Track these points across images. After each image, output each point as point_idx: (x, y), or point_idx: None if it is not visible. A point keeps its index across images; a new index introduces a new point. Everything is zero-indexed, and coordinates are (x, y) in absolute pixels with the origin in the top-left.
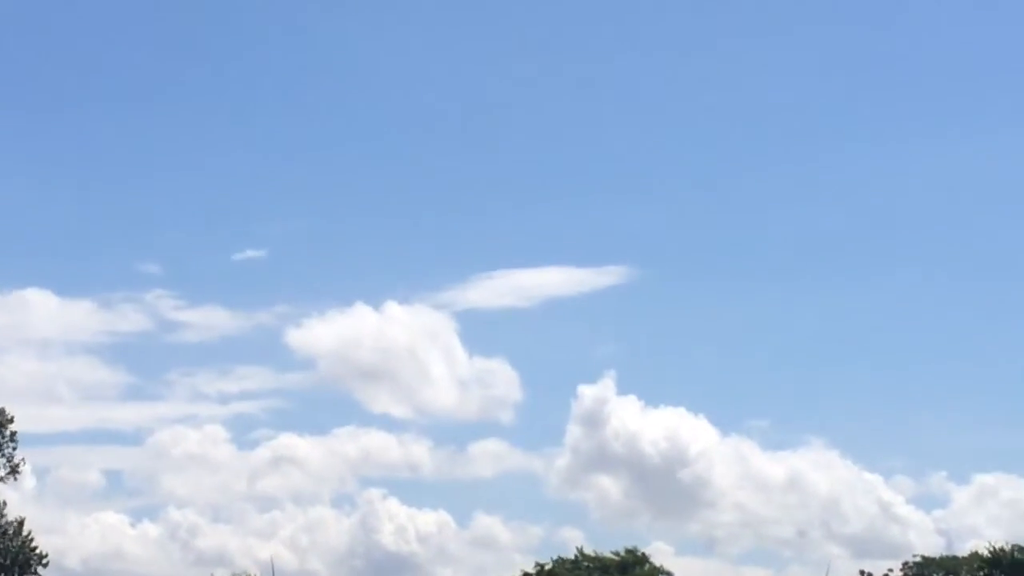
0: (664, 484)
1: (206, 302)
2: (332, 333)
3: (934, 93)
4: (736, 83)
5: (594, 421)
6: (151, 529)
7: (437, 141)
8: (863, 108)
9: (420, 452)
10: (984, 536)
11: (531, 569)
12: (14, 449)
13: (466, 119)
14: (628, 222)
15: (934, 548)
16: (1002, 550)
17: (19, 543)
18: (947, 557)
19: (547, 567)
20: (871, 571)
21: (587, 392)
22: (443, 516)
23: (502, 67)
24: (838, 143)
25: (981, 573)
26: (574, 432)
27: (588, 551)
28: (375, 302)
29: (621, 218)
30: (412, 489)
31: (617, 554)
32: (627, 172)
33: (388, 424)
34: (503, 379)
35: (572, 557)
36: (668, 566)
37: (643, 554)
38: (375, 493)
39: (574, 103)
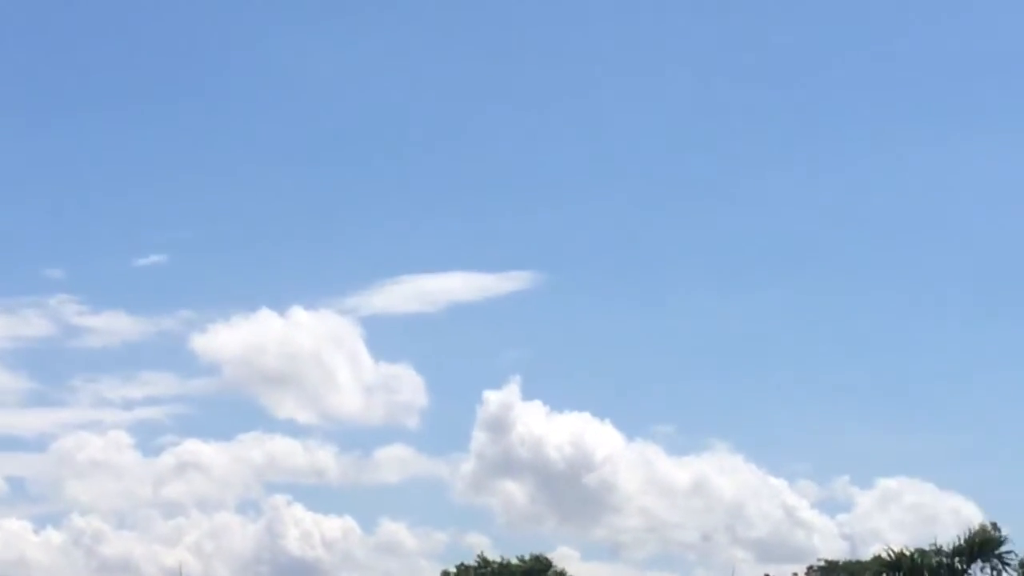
0: (569, 489)
1: (109, 307)
2: (237, 338)
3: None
4: (638, 87)
5: (499, 426)
6: (55, 536)
7: (341, 147)
8: (771, 114)
9: (325, 458)
10: (887, 540)
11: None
12: None
13: (370, 124)
14: (533, 228)
15: (838, 552)
16: (902, 553)
17: None
18: (851, 561)
19: (452, 574)
20: (775, 575)
21: (492, 398)
22: (348, 522)
23: (408, 72)
24: (748, 148)
25: (884, 574)
26: (479, 437)
27: (492, 557)
28: (280, 307)
29: (526, 224)
30: (317, 495)
31: (522, 559)
32: (532, 177)
33: (293, 430)
34: (408, 385)
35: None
36: (574, 571)
37: (548, 559)
38: (280, 499)
39: (477, 108)
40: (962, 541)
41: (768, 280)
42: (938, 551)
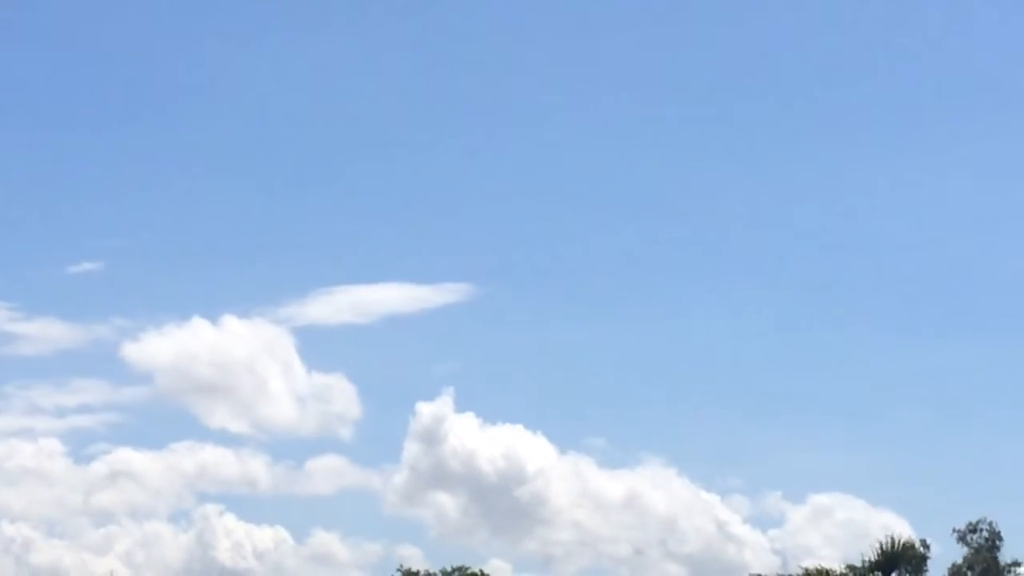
0: (502, 502)
1: (43, 315)
2: (169, 347)
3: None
4: (575, 98)
5: (432, 438)
6: None
7: (277, 157)
8: (710, 127)
9: (258, 467)
10: (819, 555)
11: None
12: None
13: (306, 134)
14: (469, 240)
15: (770, 567)
16: (827, 572)
17: None
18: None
19: None
20: None
21: (425, 409)
22: (280, 532)
23: (345, 83)
24: (685, 161)
25: None
26: (412, 449)
27: (422, 569)
28: (213, 316)
29: (462, 236)
30: (249, 505)
31: (445, 571)
32: (469, 189)
33: (225, 439)
34: (342, 395)
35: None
36: None
37: (474, 572)
38: (212, 508)
39: (415, 119)
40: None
41: (701, 296)
42: (853, 568)
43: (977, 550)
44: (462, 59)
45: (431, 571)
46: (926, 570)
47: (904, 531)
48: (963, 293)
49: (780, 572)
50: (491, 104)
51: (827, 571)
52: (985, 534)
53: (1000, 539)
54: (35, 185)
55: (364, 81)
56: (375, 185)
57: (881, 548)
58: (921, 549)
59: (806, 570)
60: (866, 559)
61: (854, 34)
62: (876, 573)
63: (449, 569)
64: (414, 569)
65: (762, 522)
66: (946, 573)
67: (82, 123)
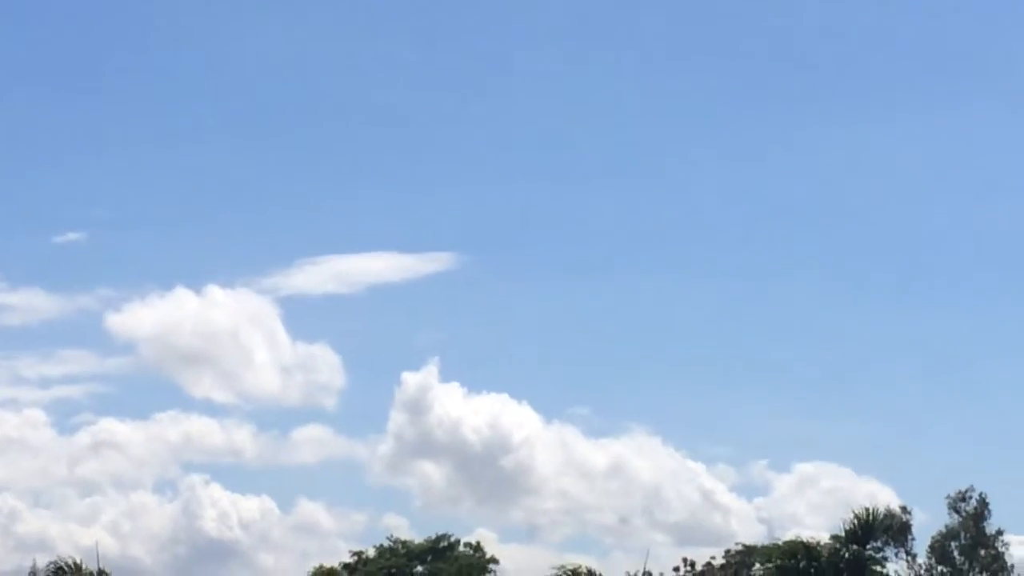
0: (487, 471)
1: (27, 285)
2: (153, 317)
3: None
4: (562, 66)
5: (417, 408)
6: None
7: (263, 125)
8: (696, 97)
9: (243, 437)
10: (804, 524)
11: (348, 559)
12: None
13: (292, 101)
14: (454, 209)
15: (755, 536)
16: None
17: None
18: (769, 545)
19: (366, 554)
20: (693, 558)
21: (410, 379)
22: (266, 502)
23: (331, 50)
24: (673, 132)
25: (779, 560)
26: (397, 419)
27: (406, 538)
28: (196, 286)
29: (447, 205)
30: (235, 474)
31: (428, 540)
32: (454, 159)
33: (210, 409)
34: (326, 365)
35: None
36: (491, 552)
37: (457, 540)
38: (197, 478)
39: (401, 88)
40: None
41: (688, 265)
42: (837, 538)
43: (963, 519)
44: (449, 30)
45: (415, 540)
46: (912, 538)
47: (889, 500)
48: (951, 261)
49: (766, 541)
50: (477, 74)
51: (805, 542)
52: (974, 503)
53: (988, 509)
54: (18, 156)
55: (349, 51)
56: (360, 155)
57: (856, 517)
58: (904, 517)
59: (786, 541)
60: (845, 528)
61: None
62: (851, 546)
63: (434, 537)
64: (403, 538)
65: (747, 491)
66: (930, 542)
67: (65, 93)
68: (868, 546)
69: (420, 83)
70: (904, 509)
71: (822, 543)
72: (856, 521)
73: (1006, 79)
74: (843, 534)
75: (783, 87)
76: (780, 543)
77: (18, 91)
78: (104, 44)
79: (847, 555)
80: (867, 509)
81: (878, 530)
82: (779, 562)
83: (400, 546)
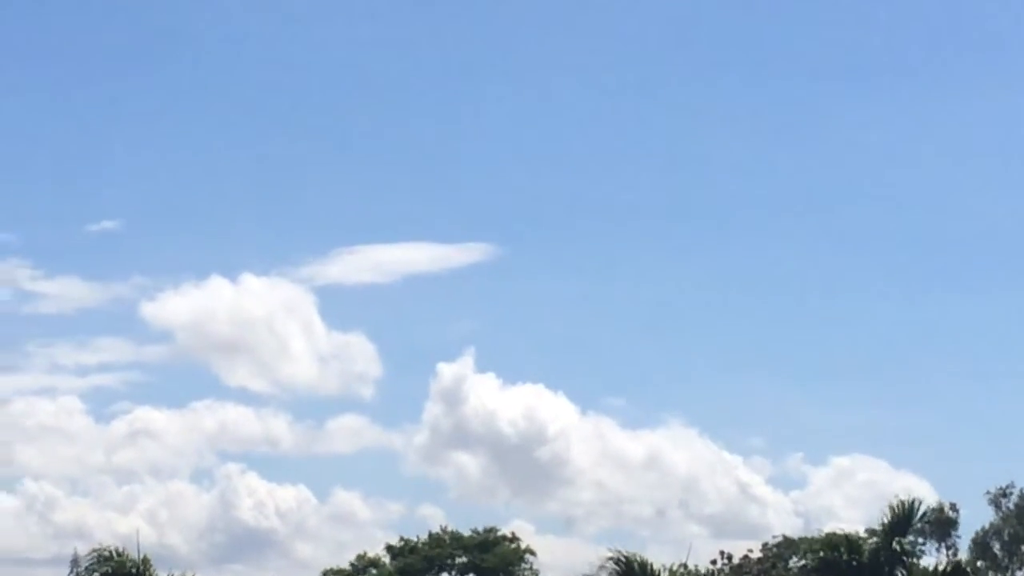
0: (523, 462)
1: (63, 273)
2: (189, 306)
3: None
4: (591, 59)
5: (453, 399)
6: (7, 500)
7: (299, 114)
8: (720, 81)
9: (279, 426)
10: (841, 517)
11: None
12: None
13: (328, 90)
14: (490, 199)
15: (792, 528)
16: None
17: None
18: (806, 538)
19: (416, 543)
20: (730, 551)
21: (446, 369)
22: (303, 491)
23: (366, 40)
24: (702, 118)
25: (821, 552)
26: (432, 409)
27: (449, 529)
28: (232, 275)
29: (483, 195)
30: (270, 464)
31: (477, 532)
32: (490, 149)
33: (246, 398)
34: (362, 355)
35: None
36: (527, 544)
37: (503, 534)
38: (234, 467)
39: (437, 78)
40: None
41: (724, 253)
42: (873, 531)
43: (1006, 516)
44: (488, 18)
45: (458, 531)
46: (958, 535)
47: (926, 494)
48: (992, 248)
49: (803, 534)
50: (513, 64)
51: (848, 535)
52: (1016, 499)
53: None
54: (54, 143)
55: (388, 40)
56: (397, 144)
57: (892, 508)
58: (951, 513)
59: (828, 534)
60: (884, 520)
61: None
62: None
63: (481, 530)
64: (444, 528)
65: (784, 483)
66: (973, 536)
67: (102, 79)
68: (905, 538)
69: (458, 74)
70: (953, 507)
71: (860, 536)
72: (892, 512)
73: None
74: (879, 527)
75: (812, 68)
76: (823, 535)
77: (55, 79)
78: (144, 31)
79: (883, 547)
80: (902, 501)
81: (916, 523)
82: (823, 554)
83: (446, 535)
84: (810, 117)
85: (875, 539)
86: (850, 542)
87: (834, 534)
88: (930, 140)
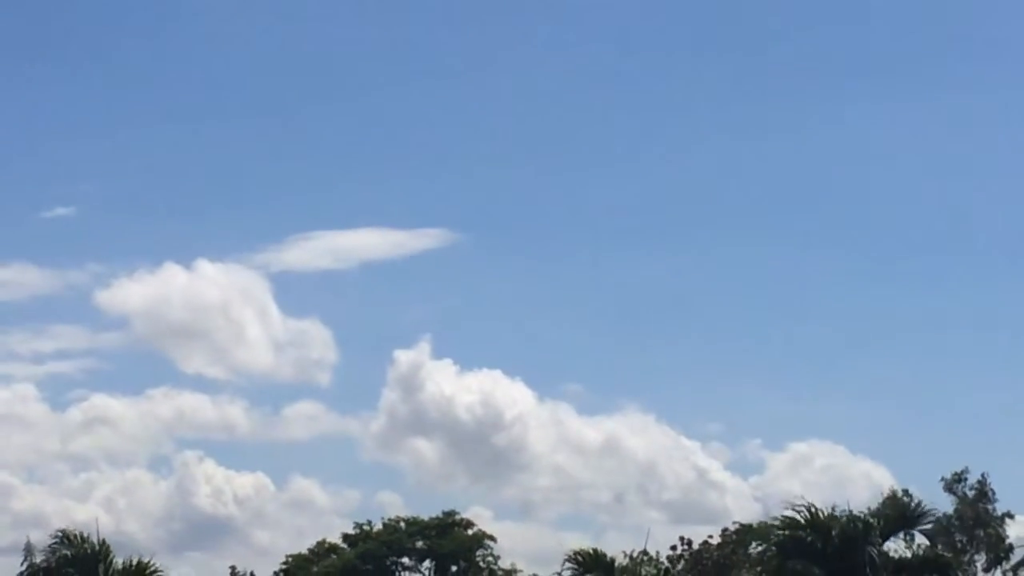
0: (480, 448)
1: (17, 260)
2: (144, 293)
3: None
4: (549, 50)
5: (410, 385)
6: None
7: (251, 101)
8: (683, 78)
9: (235, 413)
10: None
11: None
12: None
13: (283, 79)
14: (447, 185)
15: (751, 514)
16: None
17: None
18: (764, 523)
19: (370, 531)
20: (690, 536)
21: (403, 356)
22: (261, 478)
23: (319, 26)
24: (659, 111)
25: (785, 532)
26: (389, 396)
27: (404, 516)
28: (187, 261)
29: (439, 181)
30: (228, 451)
31: (436, 517)
32: (447, 135)
33: (202, 385)
34: (319, 342)
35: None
36: (484, 529)
37: (461, 518)
38: (191, 455)
39: (393, 64)
40: (877, 507)
41: (681, 241)
42: (852, 516)
43: (963, 500)
44: (440, 5)
45: (418, 517)
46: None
47: (883, 479)
48: (945, 238)
49: (762, 519)
50: (468, 50)
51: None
52: (971, 484)
53: (992, 491)
54: (5, 131)
55: (341, 26)
56: (352, 130)
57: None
58: (906, 500)
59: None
60: (868, 507)
61: None
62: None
63: (441, 514)
64: (396, 519)
65: (742, 469)
66: (934, 523)
67: (53, 65)
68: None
69: (414, 60)
70: (906, 492)
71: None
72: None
73: None
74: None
75: (784, 63)
76: (782, 518)
77: (7, 66)
78: (92, 19)
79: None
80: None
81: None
82: (787, 533)
83: (400, 523)
84: (761, 110)
85: (852, 521)
86: (814, 521)
87: (793, 517)
88: (891, 134)
